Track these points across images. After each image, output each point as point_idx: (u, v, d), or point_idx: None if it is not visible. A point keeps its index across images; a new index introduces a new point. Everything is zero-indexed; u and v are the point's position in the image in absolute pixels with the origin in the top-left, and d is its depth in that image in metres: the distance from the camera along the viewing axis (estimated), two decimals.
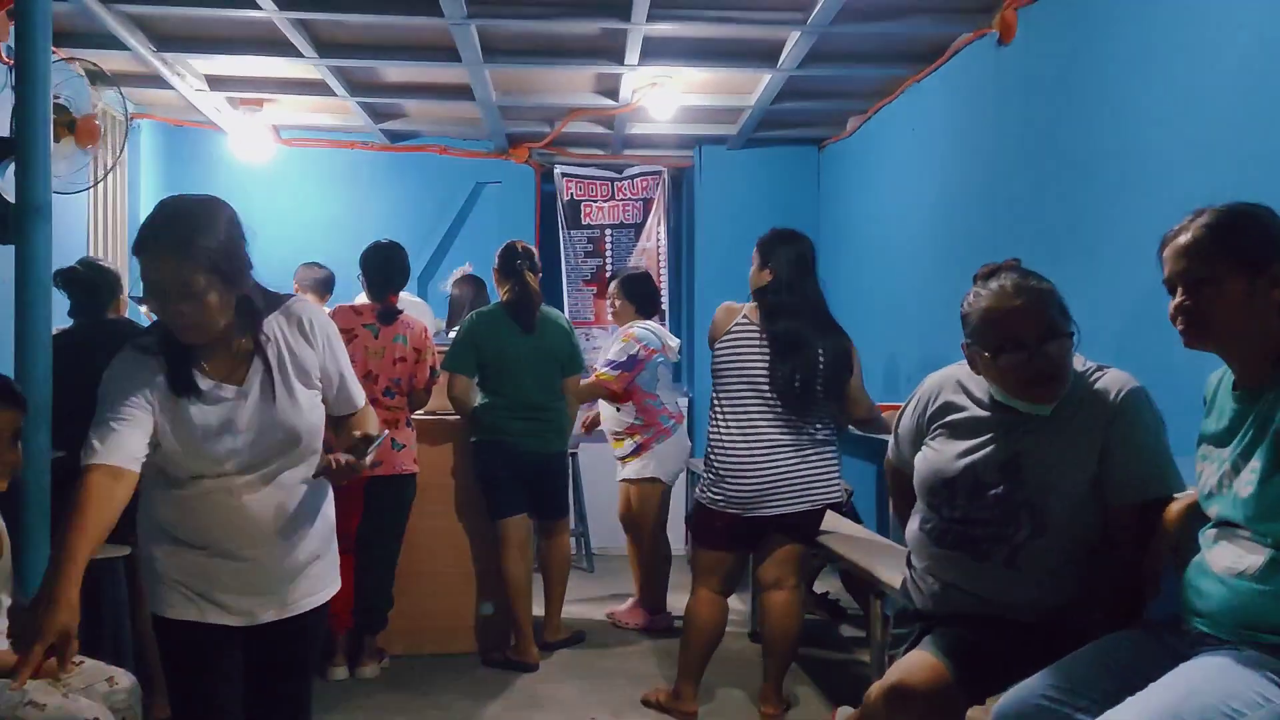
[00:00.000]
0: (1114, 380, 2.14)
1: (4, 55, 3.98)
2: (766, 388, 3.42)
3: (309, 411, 2.03)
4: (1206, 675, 1.68)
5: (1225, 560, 1.78)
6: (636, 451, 4.69)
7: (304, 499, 2.05)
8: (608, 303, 4.99)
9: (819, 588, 5.11)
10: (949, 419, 2.29)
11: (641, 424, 4.68)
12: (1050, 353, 2.08)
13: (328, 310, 4.38)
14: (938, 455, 2.28)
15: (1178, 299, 1.83)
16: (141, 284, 1.90)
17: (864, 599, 4.08)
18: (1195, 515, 1.95)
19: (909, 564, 2.39)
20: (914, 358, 4.99)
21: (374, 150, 6.43)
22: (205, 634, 1.99)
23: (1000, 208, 4.09)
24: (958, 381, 2.34)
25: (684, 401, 6.58)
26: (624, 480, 4.77)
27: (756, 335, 3.46)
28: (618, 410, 4.73)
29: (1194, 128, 2.90)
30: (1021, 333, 2.08)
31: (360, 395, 2.20)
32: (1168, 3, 3.04)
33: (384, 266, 4.08)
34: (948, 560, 2.21)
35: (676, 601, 4.67)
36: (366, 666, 4.02)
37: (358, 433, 2.06)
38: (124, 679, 2.30)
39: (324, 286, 5.36)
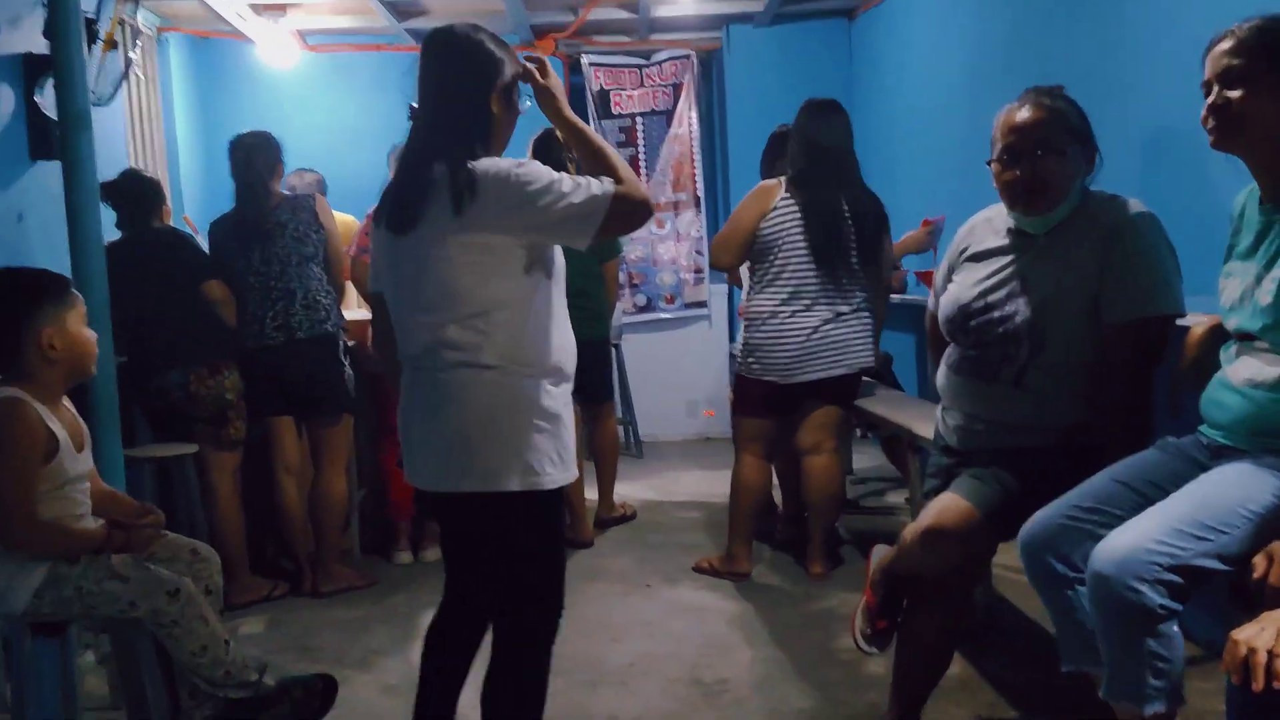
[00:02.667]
0: (1123, 205, 2.19)
1: None
2: (806, 257, 3.49)
3: None
4: (1225, 480, 1.74)
5: (1245, 372, 1.82)
6: None
7: None
8: None
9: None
10: (973, 251, 2.37)
11: None
12: (1039, 167, 2.16)
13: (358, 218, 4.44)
14: (958, 287, 2.37)
15: (1211, 97, 1.83)
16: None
17: (903, 461, 4.17)
18: (1217, 338, 1.99)
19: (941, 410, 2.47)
20: (952, 224, 4.96)
21: (400, 51, 6.40)
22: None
23: (1033, 63, 4.02)
24: (987, 219, 2.43)
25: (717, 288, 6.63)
26: None
27: (795, 208, 3.52)
28: None
29: None
30: (1019, 144, 2.18)
31: None
32: None
33: None
34: (965, 388, 2.30)
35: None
36: (429, 550, 4.20)
37: None
38: (206, 550, 2.45)
39: (320, 190, 5.41)
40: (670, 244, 6.73)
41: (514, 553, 2.02)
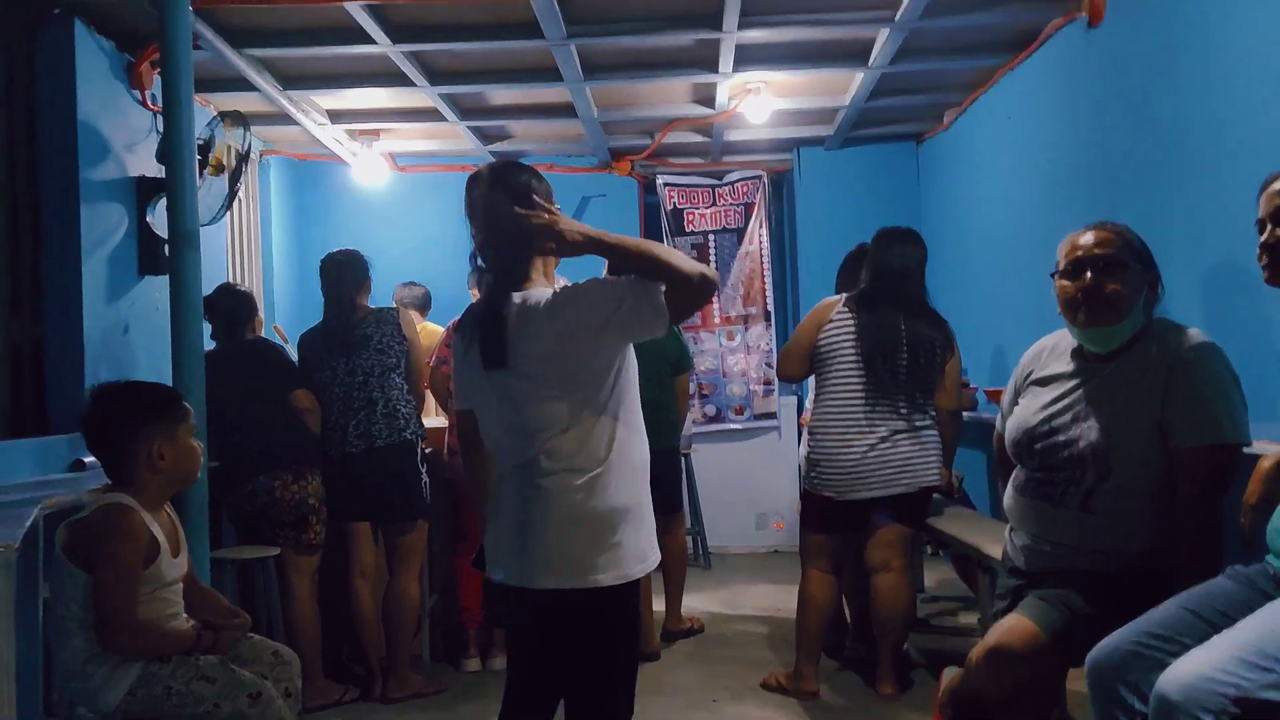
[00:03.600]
0: (1187, 334, 2.23)
1: (149, 102, 4.35)
2: (859, 373, 3.55)
3: None
4: None
5: None
6: None
7: None
8: None
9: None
10: (1038, 376, 2.42)
11: None
12: (1101, 278, 2.23)
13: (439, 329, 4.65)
14: (1024, 410, 2.41)
15: (1264, 235, 1.90)
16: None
17: (975, 580, 4.13)
18: None
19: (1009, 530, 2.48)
20: (1022, 346, 4.97)
21: None
22: None
23: (1100, 191, 4.09)
24: (1053, 344, 2.48)
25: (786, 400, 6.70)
26: None
27: (851, 323, 3.60)
28: None
29: None
30: (1082, 256, 2.26)
31: None
32: None
33: None
34: (1032, 510, 2.32)
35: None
36: (498, 657, 4.23)
37: None
38: (287, 654, 2.53)
39: (424, 303, 5.63)
40: (740, 356, 6.82)
41: (605, 645, 2.11)
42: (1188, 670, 1.68)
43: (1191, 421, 2.14)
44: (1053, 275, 2.36)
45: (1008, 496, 2.44)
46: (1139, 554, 2.20)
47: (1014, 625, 2.19)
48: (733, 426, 6.75)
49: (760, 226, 6.84)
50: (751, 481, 6.69)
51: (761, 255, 6.84)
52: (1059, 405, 2.33)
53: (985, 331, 5.32)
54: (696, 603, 5.17)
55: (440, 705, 3.80)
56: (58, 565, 2.20)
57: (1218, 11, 3.23)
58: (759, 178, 6.86)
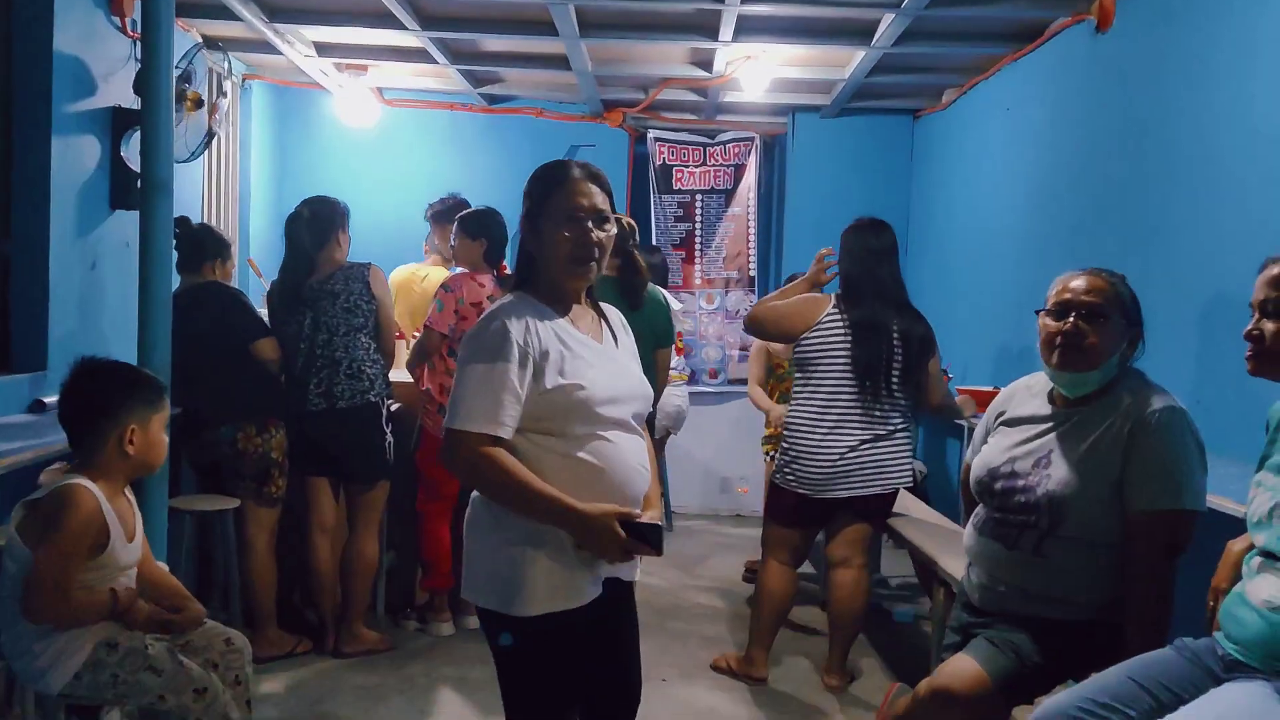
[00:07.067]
0: (1156, 397, 2.22)
1: (129, 29, 4.20)
2: (848, 375, 3.52)
3: None
4: (1235, 703, 1.74)
5: (1265, 592, 1.82)
6: None
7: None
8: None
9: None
10: (1009, 416, 2.42)
11: None
12: (1082, 325, 2.22)
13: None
14: (990, 448, 2.42)
15: (1252, 324, 1.87)
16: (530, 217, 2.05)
17: (930, 585, 4.17)
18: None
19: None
20: (1000, 337, 4.97)
21: (473, 112, 6.56)
22: (574, 617, 1.95)
23: (1091, 194, 4.06)
24: (1027, 386, 2.48)
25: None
26: None
27: (842, 326, 3.55)
28: None
29: None
30: (1070, 300, 2.26)
31: None
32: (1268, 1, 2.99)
33: (506, 231, 4.09)
34: (987, 550, 2.34)
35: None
36: (471, 616, 4.20)
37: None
38: (239, 641, 2.49)
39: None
40: (719, 320, 6.79)
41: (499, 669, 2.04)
42: None
43: (1149, 486, 2.15)
44: (1038, 312, 2.34)
45: (967, 533, 2.45)
46: (1090, 605, 2.22)
47: (961, 669, 2.22)
48: (704, 389, 6.74)
49: (750, 190, 6.75)
50: (720, 445, 6.70)
51: (748, 219, 6.77)
52: (1022, 449, 2.33)
53: (966, 320, 5.31)
54: (654, 565, 5.19)
55: (391, 664, 3.83)
56: (10, 544, 2.17)
57: (1227, 34, 3.17)
58: (751, 140, 6.75)
